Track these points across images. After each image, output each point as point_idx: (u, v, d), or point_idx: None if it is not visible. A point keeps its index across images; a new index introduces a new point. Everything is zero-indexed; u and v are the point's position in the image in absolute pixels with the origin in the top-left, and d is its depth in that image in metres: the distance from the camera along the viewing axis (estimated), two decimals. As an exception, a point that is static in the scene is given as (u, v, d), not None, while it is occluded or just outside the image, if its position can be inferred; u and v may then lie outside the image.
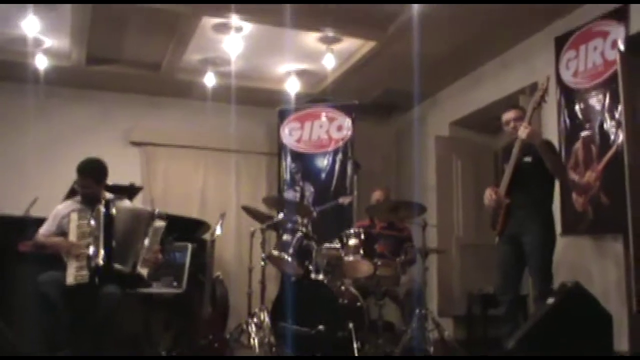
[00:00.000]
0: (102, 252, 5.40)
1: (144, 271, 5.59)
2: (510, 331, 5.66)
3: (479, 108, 8.50)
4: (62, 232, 5.63)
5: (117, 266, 5.43)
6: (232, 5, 6.77)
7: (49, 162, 8.51)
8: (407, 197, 8.44)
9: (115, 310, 5.36)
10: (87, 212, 5.58)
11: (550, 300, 4.94)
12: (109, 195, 5.78)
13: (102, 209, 5.58)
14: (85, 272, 5.36)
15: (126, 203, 5.98)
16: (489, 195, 5.88)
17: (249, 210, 7.53)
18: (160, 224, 5.78)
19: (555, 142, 6.44)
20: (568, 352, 4.65)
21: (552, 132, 6.83)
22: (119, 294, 5.32)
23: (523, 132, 5.56)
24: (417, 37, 7.10)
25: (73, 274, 5.36)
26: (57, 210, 5.79)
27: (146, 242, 5.63)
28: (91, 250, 5.41)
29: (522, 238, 5.65)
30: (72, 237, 5.51)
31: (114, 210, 5.60)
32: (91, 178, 5.72)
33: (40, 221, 5.81)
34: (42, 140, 8.53)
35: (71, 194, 6.24)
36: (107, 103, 9.22)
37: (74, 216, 5.57)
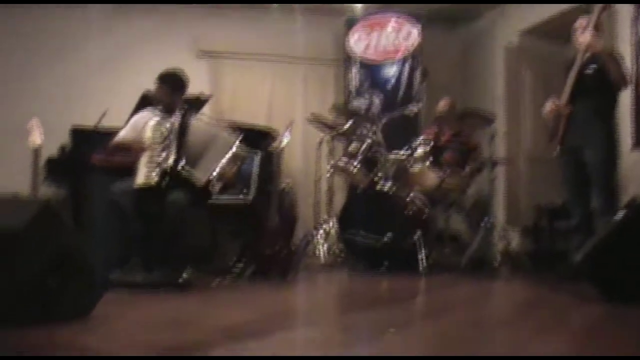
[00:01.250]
0: (172, 157, 5.49)
1: (215, 188, 5.68)
2: (580, 245, 5.65)
3: (549, 16, 8.26)
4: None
5: (186, 173, 5.50)
6: None
7: (115, 75, 8.56)
8: (474, 108, 8.34)
9: (181, 217, 5.46)
10: (163, 120, 5.66)
11: (619, 215, 4.89)
12: (185, 107, 5.83)
13: (178, 118, 5.65)
14: (154, 175, 5.46)
15: (204, 120, 6.02)
16: (548, 106, 5.82)
17: (316, 120, 7.54)
18: (242, 152, 5.86)
19: (628, 54, 6.29)
20: (635, 269, 4.61)
21: (625, 44, 6.64)
22: (185, 200, 5.41)
23: (583, 41, 5.45)
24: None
25: (143, 175, 5.48)
26: (136, 117, 5.90)
27: (223, 161, 5.69)
28: (163, 154, 5.50)
29: (584, 151, 5.59)
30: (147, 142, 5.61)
31: (190, 121, 5.67)
32: (166, 86, 5.79)
33: (110, 133, 5.90)
34: (107, 54, 8.56)
35: (141, 103, 6.32)
36: (171, 13, 9.15)
37: (151, 123, 5.65)
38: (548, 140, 5.90)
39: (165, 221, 5.41)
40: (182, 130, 5.60)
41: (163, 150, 5.51)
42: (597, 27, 5.49)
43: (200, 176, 5.54)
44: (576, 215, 5.82)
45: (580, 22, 5.74)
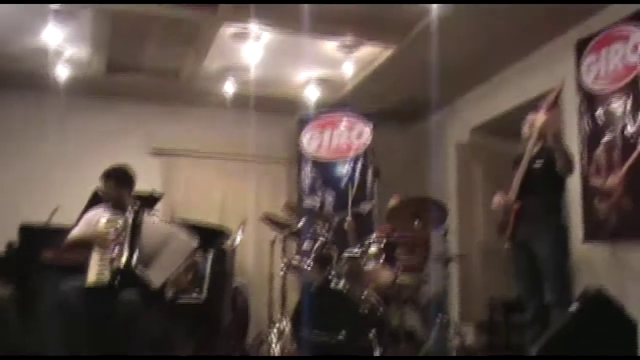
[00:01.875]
0: (125, 254, 5.41)
1: (169, 292, 5.60)
2: (535, 338, 5.63)
3: (499, 114, 8.45)
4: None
5: (140, 273, 5.42)
6: (252, 12, 6.77)
7: (69, 172, 8.54)
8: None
9: (134, 316, 5.35)
10: (115, 218, 5.60)
11: (573, 307, 4.89)
12: (137, 205, 5.79)
13: (130, 215, 5.60)
14: (106, 274, 5.37)
15: (158, 218, 5.98)
16: (496, 200, 5.87)
17: (269, 218, 7.52)
18: (198, 258, 5.81)
19: (576, 148, 6.41)
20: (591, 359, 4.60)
21: (573, 138, 6.77)
22: (137, 300, 5.32)
23: (540, 119, 5.53)
24: (436, 43, 7.07)
25: (94, 274, 5.38)
26: (88, 215, 5.85)
27: (182, 267, 5.64)
28: (115, 251, 5.42)
29: (534, 245, 5.62)
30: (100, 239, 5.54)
31: (142, 218, 5.63)
32: (112, 182, 5.77)
33: (62, 230, 5.83)
34: (62, 150, 8.55)
35: (93, 200, 6.27)
36: (127, 112, 9.24)
37: (103, 222, 5.59)
38: (497, 234, 5.93)
39: (117, 320, 5.29)
40: (135, 227, 5.55)
41: (115, 247, 5.44)
42: (550, 110, 5.57)
43: (154, 278, 5.45)
44: (530, 308, 5.80)
45: (532, 117, 5.84)
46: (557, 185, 5.72)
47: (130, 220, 5.57)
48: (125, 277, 5.39)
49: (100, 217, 5.66)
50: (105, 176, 5.78)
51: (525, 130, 5.86)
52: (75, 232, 5.73)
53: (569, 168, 5.71)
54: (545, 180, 5.64)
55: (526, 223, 5.67)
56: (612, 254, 6.50)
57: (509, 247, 5.86)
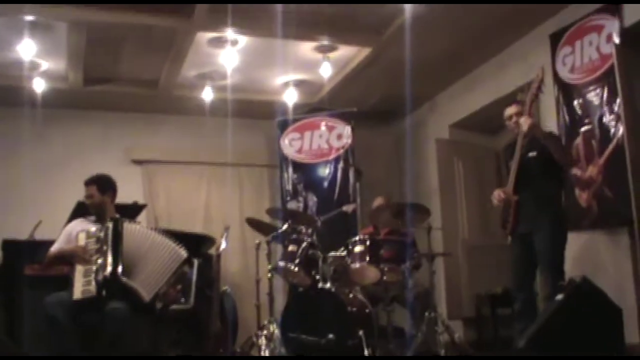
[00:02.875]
0: (109, 265, 5.39)
1: (158, 304, 5.58)
2: (524, 329, 5.66)
3: (477, 109, 8.51)
4: None
5: (130, 284, 5.41)
6: (228, 18, 6.78)
7: (50, 185, 8.53)
8: (410, 202, 8.39)
9: (123, 326, 5.31)
10: (96, 230, 5.58)
11: (559, 297, 4.93)
12: (117, 215, 5.77)
13: (110, 225, 5.57)
14: (92, 286, 5.32)
15: (143, 226, 5.94)
16: (497, 195, 5.88)
17: (253, 223, 7.53)
18: (187, 270, 5.80)
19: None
20: (579, 347, 4.64)
21: (551, 128, 6.81)
22: (125, 309, 5.30)
23: (524, 123, 5.56)
24: (411, 41, 7.11)
25: (80, 288, 5.33)
26: (67, 228, 5.80)
27: (172, 279, 5.62)
28: (98, 262, 5.40)
29: (533, 236, 5.64)
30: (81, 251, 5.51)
31: (124, 228, 5.59)
32: (94, 186, 5.75)
33: (44, 244, 5.81)
34: (42, 163, 8.53)
35: (76, 211, 6.25)
36: (106, 123, 9.23)
37: (82, 236, 5.56)
38: (501, 228, 5.94)
39: (106, 330, 5.28)
40: (116, 236, 5.52)
41: (98, 259, 5.42)
42: (530, 113, 5.62)
43: (144, 291, 5.43)
44: (519, 300, 5.84)
45: (510, 109, 5.88)
46: (554, 174, 5.74)
47: (110, 230, 5.55)
48: (112, 287, 5.36)
49: (79, 231, 5.63)
50: (87, 182, 5.77)
51: (511, 124, 5.89)
52: (55, 248, 5.68)
53: (568, 159, 5.77)
54: (541, 171, 5.67)
55: (525, 216, 5.69)
56: (595, 242, 6.55)
57: (510, 241, 5.89)
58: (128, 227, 5.64)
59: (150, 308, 5.54)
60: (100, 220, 5.70)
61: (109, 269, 5.37)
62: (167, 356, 3.20)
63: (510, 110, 5.90)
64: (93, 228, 5.62)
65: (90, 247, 5.49)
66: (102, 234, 5.52)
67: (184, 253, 5.71)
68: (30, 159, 8.47)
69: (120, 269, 5.39)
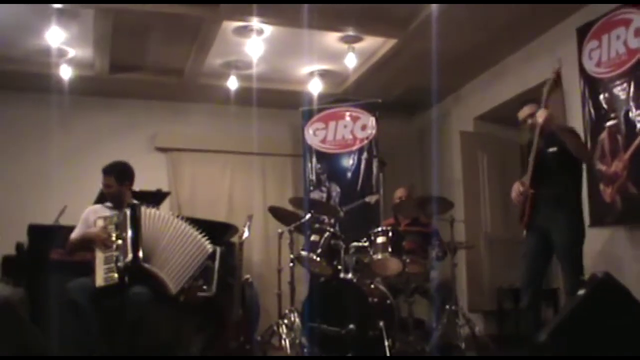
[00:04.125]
0: (129, 252, 5.43)
1: (181, 297, 5.61)
2: (532, 323, 5.67)
3: (502, 102, 8.46)
4: None
5: (148, 266, 5.45)
6: (254, 8, 6.80)
7: (75, 171, 8.58)
8: (432, 194, 8.37)
9: (145, 310, 5.35)
10: (111, 215, 5.64)
11: (581, 292, 4.91)
12: (135, 201, 5.81)
13: (127, 211, 5.61)
14: (114, 274, 5.37)
15: (161, 213, 5.90)
16: (516, 188, 5.86)
17: (276, 212, 7.55)
18: (211, 264, 5.83)
19: (581, 133, 6.40)
20: (601, 344, 4.63)
21: (577, 123, 6.78)
22: (148, 293, 5.34)
23: (540, 116, 5.53)
24: (437, 33, 7.10)
25: (102, 276, 5.37)
26: (85, 215, 5.84)
27: (197, 273, 5.66)
28: (120, 252, 5.43)
29: (550, 231, 5.61)
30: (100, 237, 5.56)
31: (142, 213, 5.63)
32: (113, 176, 5.78)
33: (70, 229, 5.84)
34: (67, 150, 8.59)
35: (100, 199, 6.29)
36: (131, 110, 9.28)
37: (100, 222, 5.60)
38: (518, 221, 5.93)
39: (128, 315, 5.32)
40: (134, 222, 5.56)
41: (118, 245, 5.46)
42: (547, 105, 5.58)
43: (171, 283, 5.47)
44: (526, 294, 5.81)
45: (524, 111, 5.84)
46: (573, 170, 5.72)
47: (128, 216, 5.58)
48: (134, 273, 5.41)
49: (97, 217, 5.68)
50: (105, 171, 5.80)
51: (524, 118, 5.86)
52: (74, 235, 5.74)
53: (585, 153, 5.74)
54: (560, 166, 5.64)
55: (542, 210, 5.67)
56: (618, 238, 6.52)
57: (525, 235, 5.87)
58: (147, 212, 5.67)
59: (174, 299, 5.58)
60: (117, 207, 5.74)
61: (130, 255, 5.41)
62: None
63: (524, 112, 5.85)
64: (110, 214, 5.68)
65: (108, 233, 5.54)
66: (120, 220, 5.57)
67: (209, 247, 5.74)
68: (56, 145, 8.54)
69: (140, 254, 5.44)
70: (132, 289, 5.33)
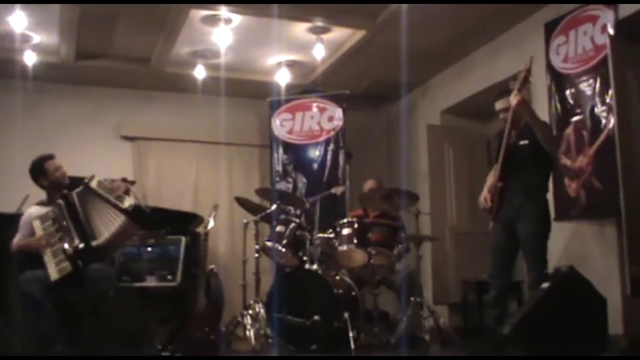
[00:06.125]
0: (75, 238, 5.49)
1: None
2: (498, 316, 5.71)
3: (469, 95, 8.50)
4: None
5: (95, 243, 5.53)
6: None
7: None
8: (399, 186, 8.39)
9: (106, 285, 5.48)
10: (47, 214, 5.67)
11: (545, 285, 4.96)
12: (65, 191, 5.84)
13: (61, 202, 5.67)
14: (66, 263, 5.40)
15: (80, 189, 5.92)
16: (488, 181, 5.92)
17: (241, 202, 7.54)
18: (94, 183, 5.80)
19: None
20: (563, 336, 4.67)
21: (543, 117, 6.77)
22: (105, 268, 5.41)
23: (513, 99, 5.54)
24: (406, 26, 7.09)
25: (54, 269, 5.40)
26: (24, 219, 5.88)
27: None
28: (65, 242, 5.48)
29: (517, 224, 5.65)
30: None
31: (73, 198, 5.69)
32: (33, 178, 5.90)
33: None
34: (31, 137, 8.46)
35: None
36: (97, 98, 9.17)
37: (36, 223, 5.65)
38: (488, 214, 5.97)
39: (91, 295, 5.38)
40: (71, 209, 5.63)
41: (61, 238, 5.47)
42: (522, 88, 5.59)
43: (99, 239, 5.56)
44: (494, 287, 5.86)
45: (500, 104, 5.87)
46: (543, 164, 5.75)
47: (64, 206, 5.63)
48: (86, 255, 5.47)
49: (33, 219, 5.71)
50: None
51: (499, 110, 5.89)
52: (16, 243, 5.77)
53: (552, 142, 5.77)
54: (530, 159, 5.67)
55: (509, 202, 5.70)
56: (582, 232, 6.57)
57: (491, 227, 5.90)
58: (80, 195, 5.74)
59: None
60: (51, 200, 5.80)
61: (76, 240, 5.49)
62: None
63: (500, 104, 5.89)
64: (44, 211, 5.70)
65: (48, 231, 5.56)
66: (56, 213, 5.61)
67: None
68: (20, 132, 8.41)
69: (88, 234, 5.54)
70: (88, 268, 5.40)
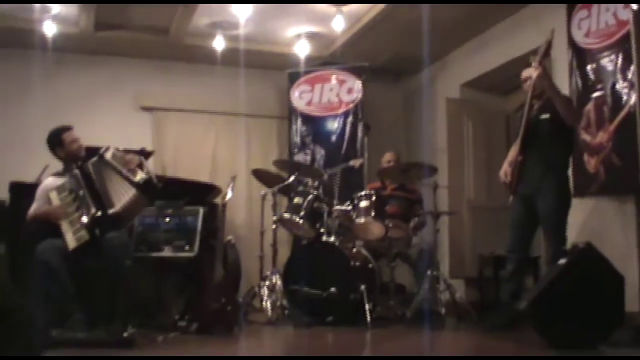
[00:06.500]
0: (92, 207, 5.54)
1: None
2: (514, 291, 5.72)
3: (489, 70, 8.43)
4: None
5: (111, 211, 5.59)
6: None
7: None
8: (417, 159, 8.37)
9: (123, 252, 5.54)
10: (64, 185, 5.72)
11: (562, 261, 4.95)
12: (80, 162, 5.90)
13: (77, 172, 5.73)
14: (83, 232, 5.46)
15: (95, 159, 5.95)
16: (510, 155, 5.91)
17: (259, 174, 7.55)
18: (108, 154, 5.84)
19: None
20: (580, 313, 4.67)
21: (564, 93, 6.77)
22: (122, 236, 5.46)
23: (534, 72, 5.53)
24: (425, -1, 7.07)
25: (72, 238, 5.46)
26: (40, 188, 5.92)
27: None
28: (82, 211, 5.55)
29: (537, 199, 5.64)
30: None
31: (89, 168, 5.73)
32: (50, 150, 5.95)
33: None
34: (51, 107, 8.48)
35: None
36: (116, 68, 9.18)
37: (53, 194, 5.71)
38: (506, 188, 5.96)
39: (108, 263, 5.44)
40: (87, 179, 5.67)
41: (78, 208, 5.51)
42: (543, 61, 5.57)
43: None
44: (512, 261, 5.87)
45: (527, 71, 5.87)
46: (564, 139, 5.73)
47: (79, 176, 5.69)
48: (103, 223, 5.53)
49: (49, 190, 5.76)
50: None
51: (523, 78, 5.87)
52: (32, 211, 5.81)
53: (572, 115, 5.74)
54: (551, 133, 5.65)
55: (529, 177, 5.69)
56: (601, 208, 6.54)
57: (511, 202, 5.89)
58: (95, 165, 5.78)
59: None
60: (67, 170, 5.86)
61: (93, 209, 5.53)
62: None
63: (525, 73, 5.88)
64: (60, 181, 5.75)
65: (65, 201, 5.61)
66: (72, 184, 5.66)
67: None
68: (39, 102, 8.44)
69: (105, 203, 5.60)
70: (105, 237, 5.46)
